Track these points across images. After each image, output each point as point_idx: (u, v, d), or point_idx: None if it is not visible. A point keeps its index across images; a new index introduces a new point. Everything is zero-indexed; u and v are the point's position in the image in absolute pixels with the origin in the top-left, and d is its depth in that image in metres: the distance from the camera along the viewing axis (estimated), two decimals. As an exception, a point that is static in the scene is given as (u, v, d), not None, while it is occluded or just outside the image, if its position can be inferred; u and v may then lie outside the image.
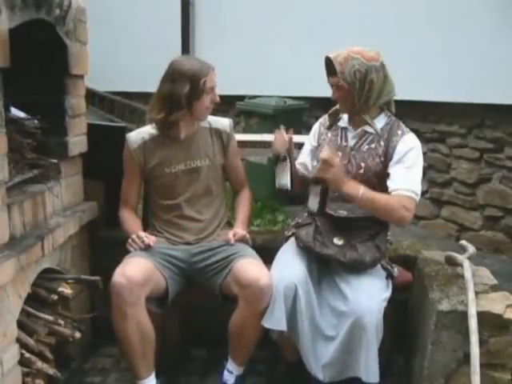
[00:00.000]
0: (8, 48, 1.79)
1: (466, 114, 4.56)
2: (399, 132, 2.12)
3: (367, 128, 2.14)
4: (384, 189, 2.09)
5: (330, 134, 2.25)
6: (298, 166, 2.33)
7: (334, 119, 2.25)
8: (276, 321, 1.97)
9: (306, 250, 2.11)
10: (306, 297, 2.00)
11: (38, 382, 2.00)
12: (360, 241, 2.08)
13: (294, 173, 2.27)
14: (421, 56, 4.61)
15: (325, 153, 2.01)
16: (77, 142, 2.41)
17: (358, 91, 2.04)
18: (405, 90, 4.60)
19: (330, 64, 2.09)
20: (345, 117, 2.23)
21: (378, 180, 2.10)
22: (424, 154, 5.28)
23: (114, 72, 6.23)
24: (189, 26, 6.11)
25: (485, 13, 4.27)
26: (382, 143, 2.11)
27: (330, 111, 2.26)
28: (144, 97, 6.62)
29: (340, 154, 2.14)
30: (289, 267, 2.06)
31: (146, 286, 2.01)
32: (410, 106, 4.78)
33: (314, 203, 2.16)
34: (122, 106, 6.72)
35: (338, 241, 2.08)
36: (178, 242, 2.26)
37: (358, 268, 2.05)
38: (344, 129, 2.22)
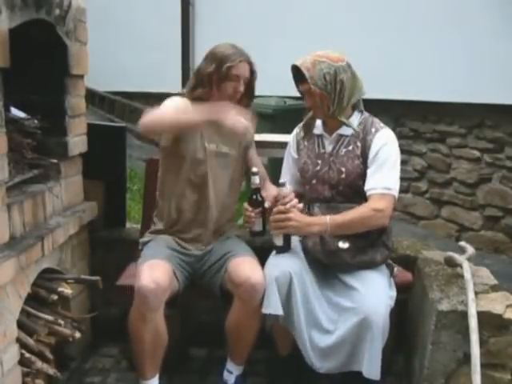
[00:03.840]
0: (8, 48, 1.79)
1: (466, 114, 4.57)
2: (373, 130, 2.13)
3: (341, 131, 2.14)
4: None
5: (306, 143, 2.25)
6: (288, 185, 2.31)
7: (309, 128, 2.25)
8: (273, 306, 1.97)
9: (315, 262, 2.12)
10: (301, 287, 2.01)
11: (38, 382, 2.00)
12: (367, 243, 2.09)
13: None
14: (421, 56, 4.62)
15: (276, 209, 2.01)
16: (77, 141, 2.41)
17: (330, 93, 2.05)
18: (405, 90, 4.67)
19: (297, 72, 2.10)
20: (318, 124, 2.23)
21: (363, 182, 2.10)
22: (424, 153, 5.34)
23: (113, 72, 6.23)
24: (189, 25, 6.11)
25: (485, 13, 4.28)
26: (359, 144, 2.12)
27: (304, 121, 2.26)
28: (144, 97, 6.64)
29: (320, 161, 2.17)
30: (285, 258, 2.08)
31: (168, 291, 2.01)
32: (410, 106, 4.79)
33: (279, 240, 2.10)
34: (122, 106, 6.73)
35: (342, 244, 2.08)
36: (184, 241, 2.24)
37: (368, 267, 2.08)
38: (320, 136, 2.22)
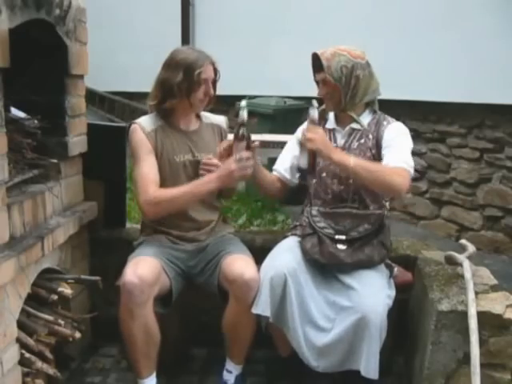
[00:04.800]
0: (8, 48, 1.79)
1: (466, 114, 4.57)
2: (385, 123, 2.17)
3: (354, 125, 2.17)
4: None
5: None
6: (284, 172, 2.34)
7: (321, 119, 2.25)
8: (261, 306, 1.99)
9: (313, 262, 2.11)
10: (295, 287, 2.01)
11: (38, 382, 2.00)
12: (364, 242, 2.10)
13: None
14: (421, 56, 4.62)
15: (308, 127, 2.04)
16: (77, 142, 2.41)
17: (344, 87, 2.08)
18: (405, 90, 4.67)
19: (316, 60, 2.13)
20: (331, 118, 2.25)
21: None
22: (424, 153, 5.33)
23: (113, 72, 6.23)
24: (189, 26, 6.12)
25: (485, 13, 4.28)
26: (371, 136, 2.15)
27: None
28: (144, 97, 6.61)
29: None
30: (281, 258, 2.08)
31: (156, 287, 2.02)
32: (410, 106, 4.79)
33: (303, 161, 2.09)
34: (122, 106, 6.72)
35: (342, 246, 2.09)
36: (178, 239, 2.26)
37: (366, 266, 2.08)
38: (332, 130, 2.24)
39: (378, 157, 2.13)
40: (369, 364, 1.93)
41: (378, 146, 2.13)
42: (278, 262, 2.05)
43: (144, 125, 2.21)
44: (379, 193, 2.15)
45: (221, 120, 2.38)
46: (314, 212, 2.17)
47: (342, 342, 1.97)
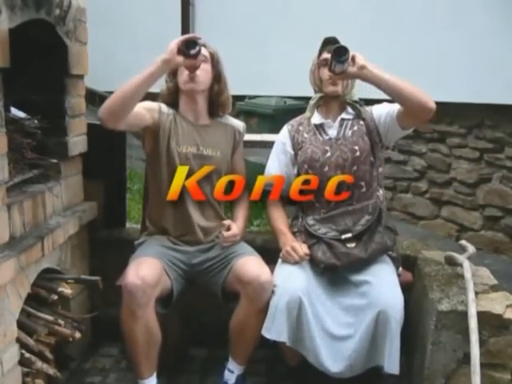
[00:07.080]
0: (8, 48, 1.79)
1: (466, 114, 4.56)
2: (368, 108, 2.24)
3: (344, 116, 2.22)
4: (379, 167, 2.23)
5: (306, 135, 2.26)
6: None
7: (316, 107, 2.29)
8: (277, 332, 1.96)
9: (320, 272, 2.09)
10: (310, 307, 1.98)
11: (38, 382, 2.00)
12: (372, 232, 2.10)
13: None
14: (421, 56, 4.61)
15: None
16: (77, 141, 2.41)
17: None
18: (405, 90, 4.63)
19: (329, 44, 2.14)
20: (316, 113, 2.27)
21: (373, 157, 2.18)
22: (424, 153, 5.32)
23: (113, 72, 6.21)
24: (189, 26, 6.11)
25: (485, 13, 4.27)
26: (362, 122, 2.20)
27: (315, 101, 2.28)
28: (144, 97, 6.66)
29: (328, 147, 2.19)
30: (292, 277, 2.04)
31: (157, 288, 2.02)
32: (410, 106, 4.78)
33: (340, 66, 2.01)
34: (122, 106, 6.72)
35: (351, 244, 2.08)
36: (180, 239, 2.25)
37: (381, 253, 2.10)
38: (320, 125, 2.25)
39: (375, 139, 2.19)
40: (391, 360, 1.92)
41: (370, 128, 2.18)
42: (292, 285, 2.00)
43: (163, 106, 2.27)
44: (412, 108, 2.14)
45: (239, 124, 2.40)
46: (310, 221, 2.16)
47: (367, 342, 1.95)
